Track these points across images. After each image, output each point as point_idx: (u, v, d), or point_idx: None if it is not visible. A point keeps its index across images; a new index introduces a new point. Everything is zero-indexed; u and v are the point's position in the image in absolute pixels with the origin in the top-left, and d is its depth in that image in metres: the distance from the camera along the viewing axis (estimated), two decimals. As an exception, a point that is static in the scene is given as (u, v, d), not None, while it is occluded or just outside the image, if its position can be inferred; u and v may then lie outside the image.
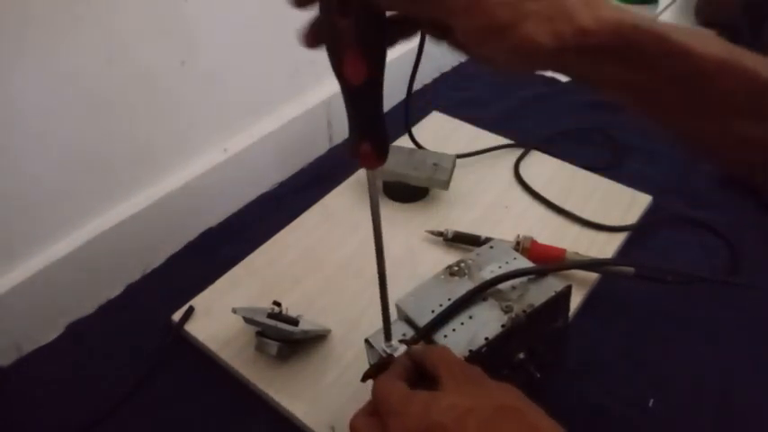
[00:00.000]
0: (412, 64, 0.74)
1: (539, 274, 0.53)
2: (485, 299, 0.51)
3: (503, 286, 0.52)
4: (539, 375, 0.51)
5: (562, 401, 0.56)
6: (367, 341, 0.51)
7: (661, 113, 0.38)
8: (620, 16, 0.34)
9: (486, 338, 0.48)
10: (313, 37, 0.37)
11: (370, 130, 0.39)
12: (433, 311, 0.50)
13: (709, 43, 0.35)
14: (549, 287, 0.52)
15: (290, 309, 0.63)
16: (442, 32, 0.36)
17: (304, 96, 0.87)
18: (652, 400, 0.58)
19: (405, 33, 0.38)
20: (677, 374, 0.61)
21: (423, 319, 0.50)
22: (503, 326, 0.49)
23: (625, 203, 0.78)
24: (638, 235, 0.75)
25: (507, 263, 0.54)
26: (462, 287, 0.52)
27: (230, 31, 0.73)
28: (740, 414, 0.57)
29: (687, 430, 0.57)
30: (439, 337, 0.49)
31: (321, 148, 0.92)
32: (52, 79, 0.59)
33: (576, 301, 0.66)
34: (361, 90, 0.36)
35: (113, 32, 0.62)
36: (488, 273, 0.53)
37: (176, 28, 0.67)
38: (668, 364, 0.62)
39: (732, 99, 0.35)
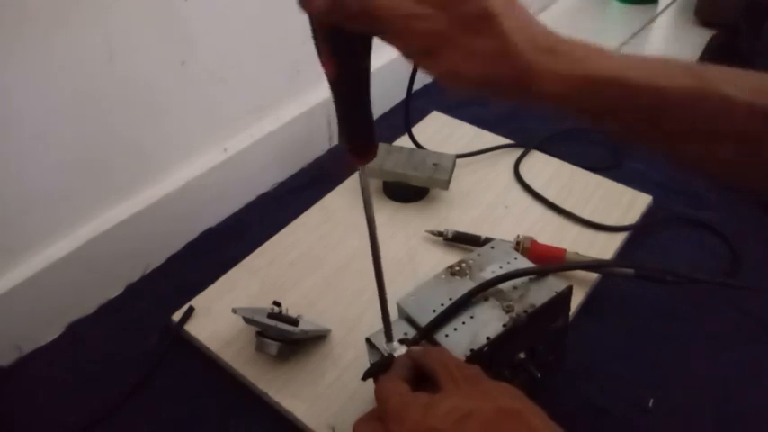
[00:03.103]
0: (412, 64, 0.74)
1: (539, 274, 0.53)
2: (486, 299, 0.52)
3: (504, 286, 0.52)
4: (539, 375, 0.51)
5: (562, 401, 0.56)
6: (368, 340, 0.51)
7: (634, 140, 0.38)
8: (574, 68, 0.34)
9: (488, 338, 0.48)
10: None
11: (349, 127, 0.40)
12: (434, 311, 0.50)
13: (675, 75, 0.35)
14: (550, 287, 0.52)
15: (290, 309, 0.63)
16: None
17: (304, 96, 0.87)
18: (652, 400, 0.58)
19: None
20: (677, 374, 0.61)
21: (424, 319, 0.50)
22: (504, 325, 0.49)
23: (625, 203, 0.78)
24: (638, 235, 0.75)
25: (508, 263, 0.54)
26: (463, 287, 0.52)
27: (230, 31, 0.73)
28: (740, 414, 0.57)
29: (687, 430, 0.57)
30: (440, 337, 0.49)
31: (321, 148, 0.92)
32: (52, 79, 0.59)
33: (576, 301, 0.66)
34: (336, 85, 0.38)
35: (113, 32, 0.62)
36: (489, 273, 0.53)
37: (176, 28, 0.67)
38: (668, 364, 0.62)
39: (708, 126, 0.35)
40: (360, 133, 0.41)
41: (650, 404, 0.58)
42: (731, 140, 0.36)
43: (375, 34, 0.35)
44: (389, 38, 0.35)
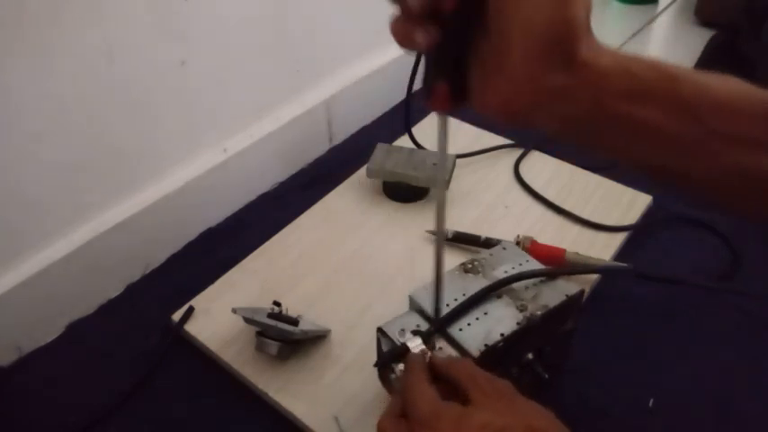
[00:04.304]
0: (412, 64, 0.74)
1: (554, 276, 0.54)
2: (499, 296, 0.52)
3: (516, 286, 0.53)
4: (547, 376, 0.52)
5: (562, 401, 0.56)
6: (380, 329, 0.51)
7: (656, 153, 0.37)
8: (614, 50, 0.34)
9: (502, 334, 0.49)
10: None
11: (453, 68, 0.37)
12: (447, 305, 0.51)
13: (715, 77, 0.35)
14: (562, 290, 0.52)
15: (290, 309, 0.63)
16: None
17: (304, 96, 0.87)
18: (652, 400, 0.58)
19: None
20: (677, 374, 0.61)
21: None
22: (518, 323, 0.50)
23: (625, 203, 0.78)
24: (638, 235, 0.75)
25: (520, 264, 0.55)
26: (476, 284, 0.53)
27: (230, 31, 0.73)
28: (740, 414, 0.57)
29: (687, 430, 0.57)
30: (454, 331, 0.50)
31: (321, 148, 0.92)
32: (52, 79, 0.59)
33: (576, 301, 0.66)
34: (456, 16, 0.34)
35: (113, 32, 0.62)
36: (501, 273, 0.54)
37: (176, 28, 0.67)
38: (668, 364, 0.62)
39: (747, 130, 0.34)
40: (463, 76, 0.37)
41: (650, 404, 0.58)
42: None
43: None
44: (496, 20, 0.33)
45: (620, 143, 0.36)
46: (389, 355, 0.49)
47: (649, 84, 0.34)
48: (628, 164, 0.38)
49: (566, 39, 0.33)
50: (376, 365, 0.50)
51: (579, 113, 0.35)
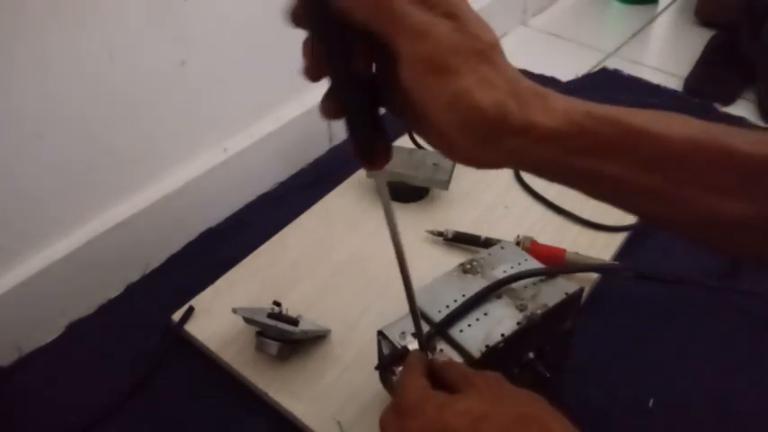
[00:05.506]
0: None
1: (552, 275, 0.54)
2: (499, 297, 0.52)
3: (516, 285, 0.53)
4: (548, 375, 0.52)
5: (561, 401, 0.56)
6: (380, 333, 0.51)
7: (626, 201, 0.37)
8: (570, 105, 0.33)
9: (503, 335, 0.49)
10: (335, 110, 0.36)
11: (374, 127, 0.37)
12: (447, 306, 0.51)
13: (673, 123, 0.34)
14: (562, 289, 0.52)
15: (290, 309, 0.63)
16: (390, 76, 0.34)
17: (304, 96, 0.87)
18: (652, 400, 0.58)
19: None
20: (677, 374, 0.61)
21: (436, 314, 0.51)
22: (518, 323, 0.50)
23: (625, 203, 0.78)
24: (638, 235, 0.75)
25: (519, 263, 0.55)
26: (475, 284, 0.53)
27: (230, 31, 0.73)
28: (740, 414, 0.57)
29: (687, 430, 0.57)
30: (455, 332, 0.50)
31: (321, 148, 0.92)
32: (51, 79, 0.59)
33: (576, 301, 0.66)
34: (368, 80, 0.35)
35: (113, 32, 0.62)
36: (500, 272, 0.54)
37: (176, 28, 0.67)
38: (668, 364, 0.62)
39: (710, 179, 0.34)
40: (367, 134, 0.37)
41: (650, 404, 0.58)
42: (734, 196, 0.34)
43: (389, 34, 0.32)
44: (405, 41, 0.32)
45: (592, 191, 0.36)
46: (390, 358, 0.49)
47: (606, 140, 0.33)
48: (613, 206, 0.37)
49: (486, 120, 0.32)
50: (377, 368, 0.50)
51: (541, 165, 0.35)
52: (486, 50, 0.32)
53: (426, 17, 0.31)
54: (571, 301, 0.53)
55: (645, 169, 0.34)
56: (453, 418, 0.37)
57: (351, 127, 0.36)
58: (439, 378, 0.44)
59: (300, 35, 0.34)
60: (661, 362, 0.62)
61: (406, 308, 0.53)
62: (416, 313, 0.46)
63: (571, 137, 0.33)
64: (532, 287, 0.53)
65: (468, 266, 0.55)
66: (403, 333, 0.50)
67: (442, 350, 0.49)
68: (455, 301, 0.51)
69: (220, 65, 0.74)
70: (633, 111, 0.34)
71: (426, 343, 0.49)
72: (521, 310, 0.51)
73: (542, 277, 0.53)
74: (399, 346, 0.49)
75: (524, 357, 0.52)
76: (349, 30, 0.32)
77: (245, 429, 0.59)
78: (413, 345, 0.48)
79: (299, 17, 0.33)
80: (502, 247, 0.57)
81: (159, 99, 0.69)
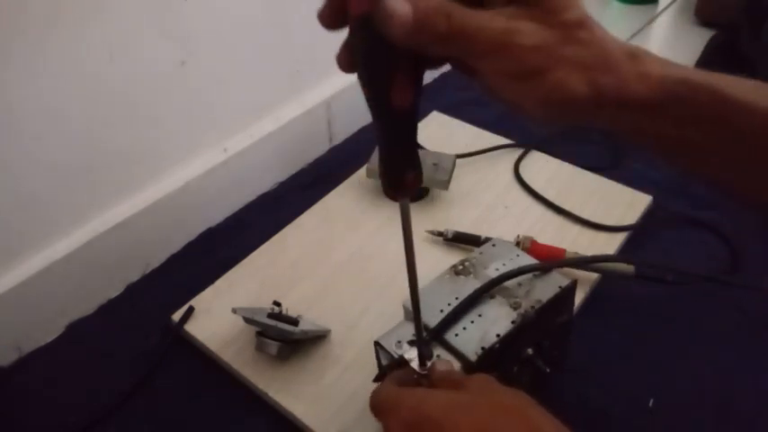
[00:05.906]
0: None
1: (543, 270, 0.53)
2: (492, 296, 0.52)
3: (509, 283, 0.52)
4: (548, 370, 0.51)
5: (561, 401, 0.56)
6: (377, 343, 0.51)
7: (708, 168, 0.36)
8: (666, 71, 0.32)
9: (498, 335, 0.49)
10: (349, 62, 0.33)
11: (414, 155, 0.36)
12: (441, 311, 0.50)
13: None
14: (555, 283, 0.52)
15: (290, 309, 0.63)
16: (472, 72, 0.33)
17: (304, 96, 0.87)
18: (652, 400, 0.58)
19: (434, 65, 0.34)
20: (677, 374, 0.61)
21: (431, 319, 0.50)
22: (513, 322, 0.49)
23: (625, 203, 0.78)
24: (638, 235, 0.75)
25: (511, 260, 0.54)
26: (468, 286, 0.52)
27: (230, 31, 0.73)
28: (740, 414, 0.57)
29: (687, 430, 0.57)
30: (450, 336, 0.49)
31: (321, 148, 0.92)
32: (51, 79, 0.59)
33: (576, 300, 0.66)
34: (408, 114, 0.33)
35: (113, 32, 0.62)
36: (493, 270, 0.53)
37: (176, 28, 0.67)
38: (668, 364, 0.62)
39: None
40: (401, 164, 0.36)
41: (650, 404, 0.58)
42: None
43: (464, 57, 0.31)
44: (483, 60, 0.30)
45: (666, 156, 0.36)
46: (388, 369, 0.48)
47: (699, 110, 0.32)
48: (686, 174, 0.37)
49: (582, 102, 0.31)
50: (375, 380, 0.50)
51: (626, 130, 0.34)
52: (574, 30, 0.31)
53: (501, 22, 0.29)
54: (565, 294, 0.52)
55: (733, 140, 0.33)
56: (432, 409, 0.37)
57: (383, 159, 0.35)
58: (437, 384, 0.44)
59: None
60: (661, 362, 0.62)
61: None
62: (420, 327, 0.45)
63: (665, 107, 0.32)
64: (526, 283, 0.52)
65: (461, 267, 0.54)
66: (399, 342, 0.49)
67: (439, 356, 0.49)
68: (449, 304, 0.51)
69: (220, 65, 0.74)
70: (731, 80, 0.34)
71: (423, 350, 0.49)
72: (515, 308, 0.50)
73: (536, 273, 0.53)
74: (396, 356, 0.48)
75: (523, 354, 0.52)
76: (399, 53, 0.30)
77: (245, 429, 0.59)
78: (409, 353, 0.48)
79: (334, 25, 0.31)
80: (493, 245, 0.57)
81: (159, 99, 0.69)
